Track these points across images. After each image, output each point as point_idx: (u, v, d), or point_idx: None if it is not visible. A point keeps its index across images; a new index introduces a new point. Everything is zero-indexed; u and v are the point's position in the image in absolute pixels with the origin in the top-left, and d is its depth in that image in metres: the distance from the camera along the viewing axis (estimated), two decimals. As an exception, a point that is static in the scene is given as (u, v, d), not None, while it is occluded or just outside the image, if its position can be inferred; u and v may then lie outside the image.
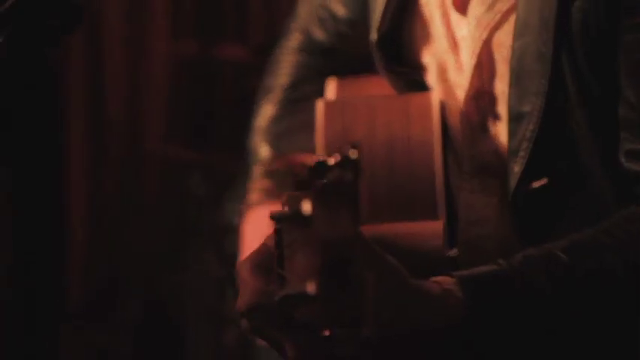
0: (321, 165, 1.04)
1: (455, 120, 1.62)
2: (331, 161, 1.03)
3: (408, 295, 1.24)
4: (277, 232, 1.19)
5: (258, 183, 1.86)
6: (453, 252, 1.54)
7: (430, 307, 1.27)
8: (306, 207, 1.04)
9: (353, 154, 1.03)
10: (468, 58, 1.58)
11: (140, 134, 3.82)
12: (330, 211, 1.01)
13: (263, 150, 1.90)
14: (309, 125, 1.81)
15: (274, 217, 1.15)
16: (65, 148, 3.65)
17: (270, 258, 1.21)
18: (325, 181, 1.02)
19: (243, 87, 3.49)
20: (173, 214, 3.76)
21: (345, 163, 1.03)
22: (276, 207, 1.77)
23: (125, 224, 3.77)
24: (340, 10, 1.87)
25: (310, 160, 1.06)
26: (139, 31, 3.83)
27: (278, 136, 1.91)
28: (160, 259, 3.75)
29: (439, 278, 1.30)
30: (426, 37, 1.66)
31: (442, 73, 1.64)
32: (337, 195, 1.02)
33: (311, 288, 1.02)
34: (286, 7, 3.74)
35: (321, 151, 1.59)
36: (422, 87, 1.67)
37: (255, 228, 1.79)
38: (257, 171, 1.88)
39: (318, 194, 1.03)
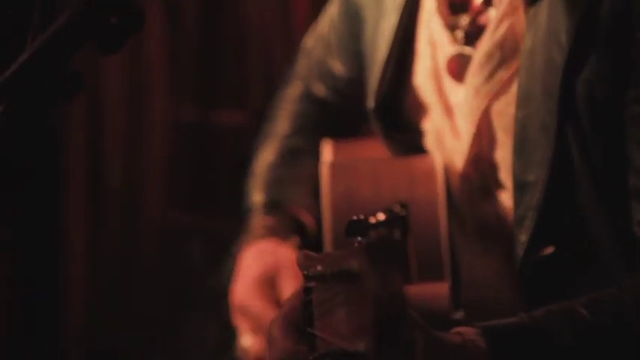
0: (361, 223, 1.04)
1: (456, 183, 1.63)
2: (380, 217, 1.04)
3: (433, 346, 1.24)
4: (307, 290, 1.18)
5: (255, 221, 1.85)
6: (459, 314, 1.54)
7: (453, 357, 1.26)
8: (355, 264, 1.04)
9: (401, 211, 1.03)
10: (464, 124, 1.59)
11: (139, 198, 3.83)
12: (380, 268, 1.01)
13: (257, 196, 1.89)
14: (304, 180, 1.81)
15: (310, 276, 1.15)
16: (65, 213, 3.64)
17: (299, 317, 1.20)
18: (372, 238, 1.02)
19: (241, 152, 3.50)
20: (172, 279, 3.75)
21: (393, 220, 1.04)
22: (273, 243, 1.78)
23: (124, 289, 3.76)
24: (339, 69, 1.88)
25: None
26: (139, 96, 3.85)
27: (273, 184, 1.90)
28: (158, 324, 3.73)
29: (461, 329, 1.30)
30: (421, 104, 1.67)
31: (439, 138, 1.65)
32: (387, 252, 1.03)
33: (362, 345, 1.01)
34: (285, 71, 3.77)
35: (327, 213, 1.60)
36: (420, 151, 1.68)
37: (252, 260, 1.79)
38: (251, 215, 1.88)
39: (367, 251, 1.04)
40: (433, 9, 1.61)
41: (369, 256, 1.03)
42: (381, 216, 1.05)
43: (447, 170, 1.63)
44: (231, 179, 3.78)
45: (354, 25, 1.79)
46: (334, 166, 1.65)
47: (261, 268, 1.75)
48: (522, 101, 1.48)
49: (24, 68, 1.08)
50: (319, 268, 1.11)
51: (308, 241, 1.78)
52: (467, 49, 1.57)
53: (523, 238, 1.48)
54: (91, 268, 3.74)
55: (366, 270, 1.03)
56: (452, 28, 1.59)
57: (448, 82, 1.60)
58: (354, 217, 1.06)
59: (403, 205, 1.04)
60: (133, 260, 3.81)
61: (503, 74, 1.53)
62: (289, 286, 1.70)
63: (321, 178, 1.64)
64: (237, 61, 3.86)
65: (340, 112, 1.90)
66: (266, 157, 1.93)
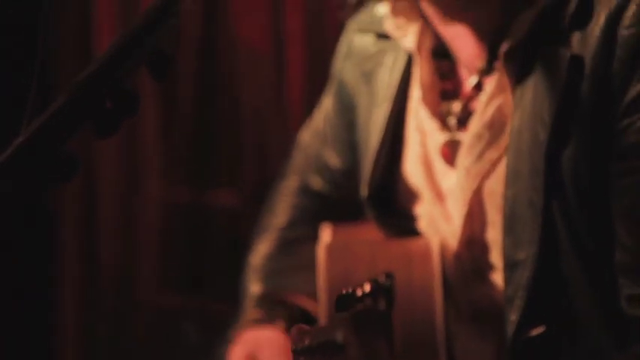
0: (349, 297, 1.04)
1: (450, 266, 1.63)
2: (366, 288, 1.04)
3: None
4: None
5: (248, 314, 1.86)
6: None
7: None
8: (340, 335, 1.04)
9: (386, 281, 1.03)
10: (456, 207, 1.59)
11: (133, 279, 3.81)
12: (365, 338, 1.01)
13: (255, 287, 1.90)
14: (303, 268, 1.82)
15: (297, 350, 1.15)
16: (58, 292, 3.63)
17: None
18: (357, 309, 1.02)
19: (236, 234, 3.49)
20: (165, 360, 3.72)
21: (378, 290, 1.04)
22: (257, 330, 1.78)
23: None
24: (335, 161, 1.90)
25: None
26: (133, 176, 3.85)
27: (271, 275, 1.91)
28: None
29: None
30: (412, 190, 1.67)
31: (432, 223, 1.66)
32: (372, 322, 1.03)
33: None
34: (279, 154, 3.79)
35: (323, 294, 1.60)
36: (415, 235, 1.69)
37: (243, 348, 1.79)
38: (246, 306, 1.88)
39: (352, 322, 1.04)
40: (419, 98, 1.62)
41: (353, 326, 1.03)
42: (367, 287, 1.05)
43: (442, 253, 1.63)
44: (225, 260, 3.77)
45: (348, 114, 1.81)
46: (331, 248, 1.66)
47: (244, 351, 1.77)
48: (511, 179, 1.49)
49: (19, 152, 1.09)
50: (307, 341, 1.11)
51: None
52: (458, 134, 1.59)
53: (513, 317, 1.48)
54: (84, 347, 3.71)
55: (351, 340, 1.03)
56: (444, 114, 1.61)
57: (439, 168, 1.61)
58: (343, 291, 1.06)
59: (388, 275, 1.04)
60: (125, 340, 3.78)
61: (492, 154, 1.54)
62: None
63: (318, 259, 1.64)
64: (231, 142, 3.88)
65: (337, 204, 1.92)
66: (263, 249, 1.95)
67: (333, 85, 1.88)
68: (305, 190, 1.95)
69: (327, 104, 1.91)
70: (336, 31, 3.63)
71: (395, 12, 1.63)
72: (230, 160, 3.91)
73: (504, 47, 1.47)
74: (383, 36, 1.72)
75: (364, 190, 1.71)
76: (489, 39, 1.53)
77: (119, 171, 3.88)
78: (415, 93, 1.65)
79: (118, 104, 1.14)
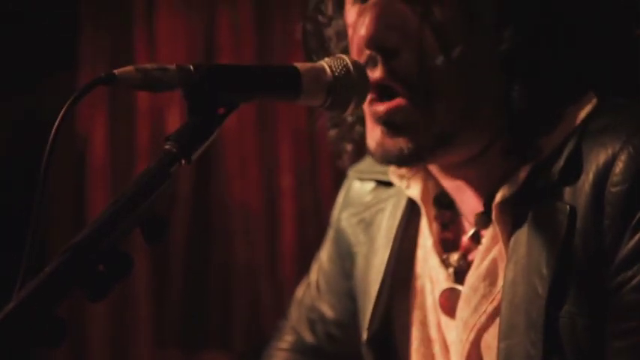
0: None
1: None
2: None
3: None
4: None
5: None
6: None
7: None
8: None
9: None
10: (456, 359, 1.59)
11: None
12: None
13: None
14: None
15: None
16: None
17: None
18: None
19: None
20: None
21: None
22: None
23: None
24: (329, 312, 1.90)
25: None
26: (124, 338, 3.82)
27: None
28: None
29: None
30: (414, 338, 1.67)
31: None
32: None
33: None
34: (271, 313, 3.77)
35: None
36: None
37: None
38: None
39: None
40: (429, 246, 1.63)
41: None
42: None
43: None
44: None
45: (345, 263, 1.82)
46: None
47: None
48: (505, 332, 1.48)
49: (10, 316, 1.08)
50: None
51: None
52: (457, 286, 1.59)
53: None
54: None
55: None
56: (444, 265, 1.61)
57: (444, 319, 1.61)
58: None
59: None
60: None
61: (488, 307, 1.54)
62: None
63: None
64: (223, 302, 3.86)
65: (332, 356, 1.91)
66: None
67: (331, 233, 1.88)
68: (298, 347, 1.94)
69: (322, 257, 1.92)
70: (327, 188, 3.68)
71: None
72: (221, 320, 3.89)
73: (498, 199, 1.49)
74: (383, 183, 1.74)
75: (364, 334, 1.70)
76: (487, 192, 1.55)
77: (109, 332, 3.85)
78: (423, 240, 1.66)
79: (110, 268, 1.14)
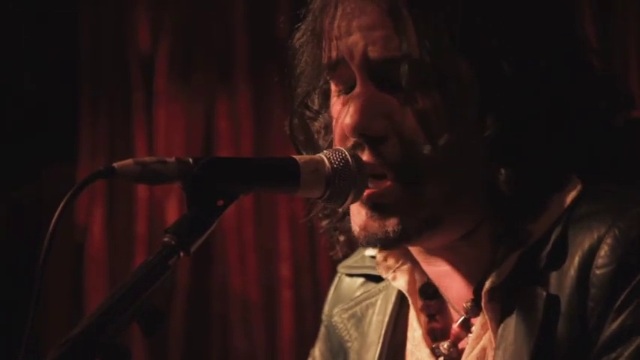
0: None
1: None
2: None
3: None
4: None
5: None
6: None
7: None
8: None
9: None
10: None
11: None
12: None
13: None
14: None
15: None
16: None
17: None
18: None
19: None
20: None
21: None
22: None
23: None
24: None
25: None
26: None
27: None
28: None
29: None
30: None
31: None
32: None
33: None
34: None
35: None
36: None
37: None
38: None
39: None
40: (419, 337, 1.62)
41: None
42: None
43: None
44: None
45: (338, 357, 1.80)
46: None
47: None
48: None
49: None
50: None
51: None
52: None
53: None
54: None
55: None
56: (434, 355, 1.60)
57: None
58: None
59: None
60: None
61: None
62: None
63: None
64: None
65: None
66: None
67: (322, 330, 1.87)
68: None
69: (315, 352, 1.90)
70: (326, 277, 3.67)
71: (385, 254, 1.65)
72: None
73: (487, 287, 1.49)
74: (372, 277, 1.74)
75: None
76: (475, 279, 1.55)
77: None
78: (410, 333, 1.65)
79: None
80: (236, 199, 1.34)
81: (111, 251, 3.84)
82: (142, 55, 3.88)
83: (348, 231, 1.66)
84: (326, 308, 1.86)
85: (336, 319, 1.79)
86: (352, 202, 1.47)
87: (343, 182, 1.43)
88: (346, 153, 1.45)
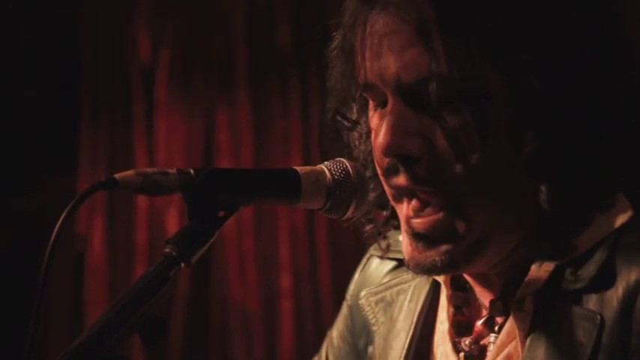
0: None
1: None
2: None
3: None
4: None
5: None
6: None
7: None
8: None
9: None
10: None
11: None
12: None
13: None
14: None
15: None
16: None
17: None
18: None
19: None
20: None
21: None
22: None
23: None
24: None
25: None
26: None
27: None
28: None
29: None
30: None
31: None
32: None
33: None
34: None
35: None
36: None
37: None
38: None
39: None
40: (445, 332, 1.61)
41: None
42: None
43: None
44: None
45: (358, 340, 1.79)
46: None
47: None
48: None
49: None
50: None
51: None
52: None
53: None
54: None
55: None
56: (456, 351, 1.59)
57: None
58: None
59: None
60: None
61: None
62: None
63: None
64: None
65: None
66: None
67: (345, 309, 1.86)
68: None
69: (333, 332, 1.89)
70: (326, 288, 3.67)
71: None
72: None
73: (518, 295, 1.48)
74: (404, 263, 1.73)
75: None
76: (505, 277, 1.54)
77: None
78: (439, 325, 1.64)
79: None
80: (237, 210, 1.34)
81: (111, 261, 3.84)
82: (143, 66, 3.89)
83: (391, 236, 1.67)
84: (351, 287, 1.84)
85: (362, 301, 1.77)
86: (354, 212, 1.47)
87: (344, 193, 1.44)
88: (347, 164, 1.45)
